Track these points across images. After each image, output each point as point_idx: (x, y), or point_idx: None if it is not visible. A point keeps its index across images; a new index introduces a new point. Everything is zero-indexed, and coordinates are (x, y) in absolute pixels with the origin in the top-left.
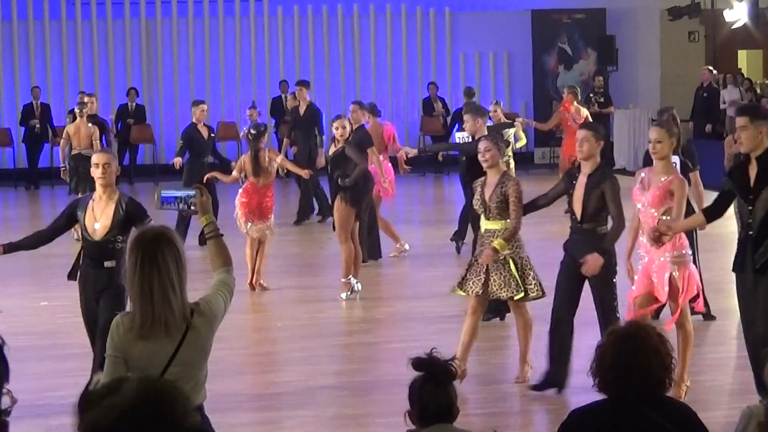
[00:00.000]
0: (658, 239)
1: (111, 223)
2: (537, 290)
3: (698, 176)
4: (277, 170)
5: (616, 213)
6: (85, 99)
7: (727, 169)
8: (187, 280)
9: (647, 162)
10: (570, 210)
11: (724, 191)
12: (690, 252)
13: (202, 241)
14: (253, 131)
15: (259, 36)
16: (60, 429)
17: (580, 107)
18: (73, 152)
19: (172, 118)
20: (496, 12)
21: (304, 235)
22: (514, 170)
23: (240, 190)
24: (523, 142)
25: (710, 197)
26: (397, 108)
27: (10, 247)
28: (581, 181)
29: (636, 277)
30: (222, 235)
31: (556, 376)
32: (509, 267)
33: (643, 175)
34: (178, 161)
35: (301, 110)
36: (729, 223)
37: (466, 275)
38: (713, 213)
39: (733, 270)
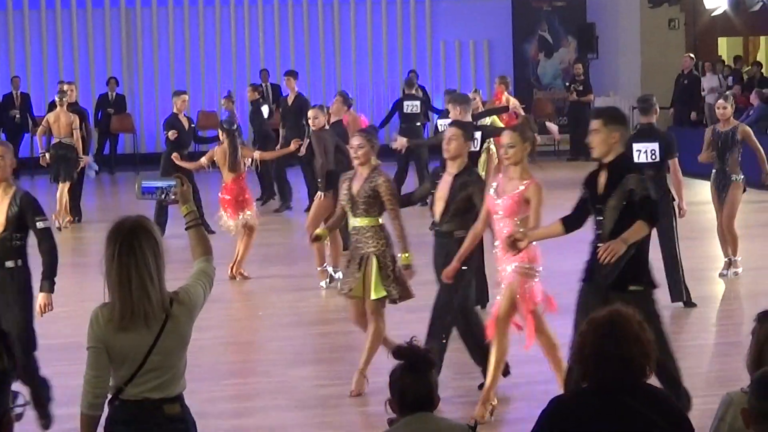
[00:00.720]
0: (513, 245)
1: (5, 219)
2: (396, 291)
3: (677, 163)
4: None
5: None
6: (65, 87)
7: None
8: (165, 270)
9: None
10: (430, 209)
11: (582, 199)
12: (540, 268)
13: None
14: (233, 127)
15: (239, 24)
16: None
17: (510, 97)
18: (54, 141)
19: (153, 108)
20: (476, 0)
21: (284, 225)
22: (495, 158)
23: (221, 193)
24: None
25: (689, 184)
26: (378, 96)
27: None
28: (446, 180)
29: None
30: (202, 224)
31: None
32: (371, 265)
33: (495, 184)
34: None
35: (290, 100)
36: (708, 209)
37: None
38: (572, 223)
39: (582, 281)
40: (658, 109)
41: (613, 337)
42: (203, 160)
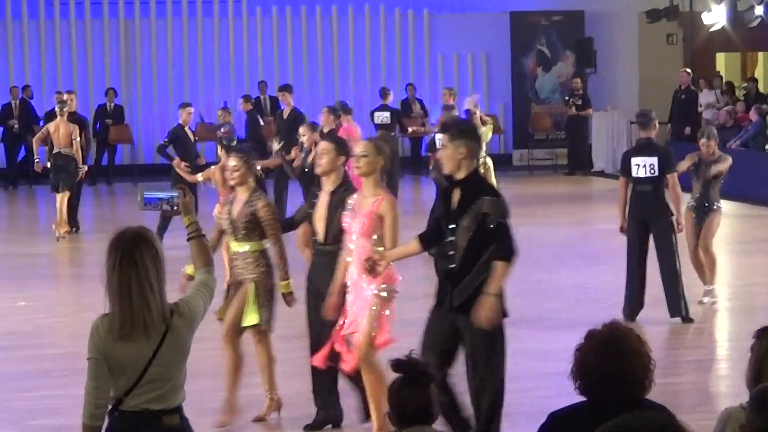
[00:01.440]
0: (371, 269)
1: None
2: (266, 320)
3: (676, 178)
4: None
5: None
6: (65, 97)
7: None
8: (165, 280)
9: (625, 164)
10: (312, 230)
11: (437, 217)
12: (398, 288)
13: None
14: (233, 143)
15: (237, 37)
16: (37, 430)
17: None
18: (54, 151)
19: (151, 119)
20: (474, 14)
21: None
22: (492, 170)
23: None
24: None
25: (687, 199)
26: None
27: None
28: (323, 198)
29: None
30: (204, 235)
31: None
32: (247, 291)
33: (351, 201)
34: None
35: (285, 114)
36: None
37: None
38: (429, 240)
39: (435, 305)
40: (657, 124)
41: (615, 352)
42: (199, 177)
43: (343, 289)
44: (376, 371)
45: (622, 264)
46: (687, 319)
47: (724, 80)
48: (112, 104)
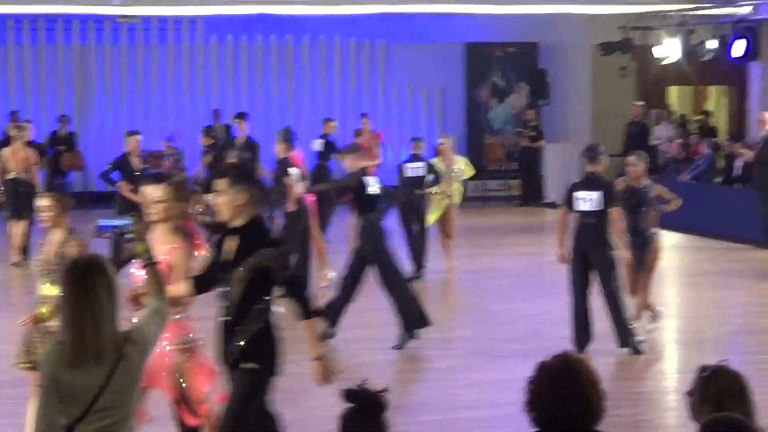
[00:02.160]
0: (135, 300)
1: None
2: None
3: (619, 212)
4: None
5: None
6: (24, 124)
7: None
8: (119, 308)
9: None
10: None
11: (212, 262)
12: (198, 337)
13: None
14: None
15: (192, 65)
16: None
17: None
18: (9, 176)
19: (104, 146)
20: (429, 45)
21: None
22: (458, 199)
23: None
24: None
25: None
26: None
27: None
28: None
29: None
30: (157, 262)
31: None
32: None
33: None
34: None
35: (240, 142)
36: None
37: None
38: (202, 284)
39: (217, 361)
40: (605, 159)
41: (569, 383)
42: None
43: None
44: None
45: None
46: (636, 351)
47: (676, 114)
48: (65, 131)
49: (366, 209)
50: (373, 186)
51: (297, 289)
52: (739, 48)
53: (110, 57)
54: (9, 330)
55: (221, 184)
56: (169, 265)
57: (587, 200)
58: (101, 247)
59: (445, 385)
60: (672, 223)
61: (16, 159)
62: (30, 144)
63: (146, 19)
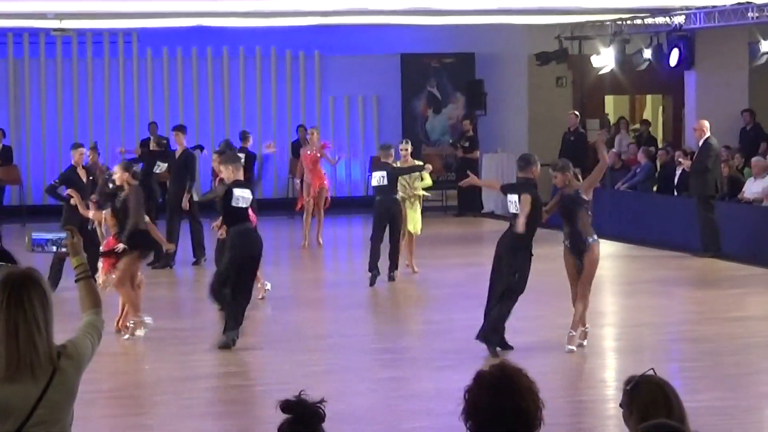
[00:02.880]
0: None
1: None
2: None
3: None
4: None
5: None
6: None
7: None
8: (53, 322)
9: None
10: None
11: None
12: None
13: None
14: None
15: (127, 77)
16: None
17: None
18: None
19: (40, 159)
20: (365, 56)
21: (170, 278)
22: (419, 207)
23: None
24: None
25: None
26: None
27: None
28: None
29: None
30: (92, 276)
31: None
32: None
33: None
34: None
35: (177, 154)
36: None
37: None
38: None
39: None
40: (537, 168)
41: (507, 391)
42: (90, 214)
43: None
44: None
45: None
46: (493, 352)
47: (612, 122)
48: (0, 145)
49: (231, 221)
50: (242, 199)
51: None
52: (674, 57)
53: (45, 70)
54: None
55: None
56: None
57: (512, 202)
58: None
59: (385, 395)
60: (610, 232)
61: None
62: None
63: (81, 33)
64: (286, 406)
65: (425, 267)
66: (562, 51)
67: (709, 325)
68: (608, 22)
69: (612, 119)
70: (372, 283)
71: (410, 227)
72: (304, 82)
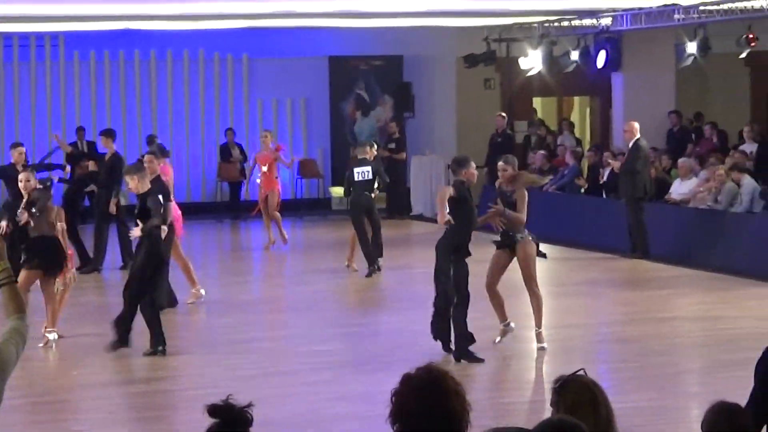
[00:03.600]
0: None
1: None
2: None
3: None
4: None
5: None
6: None
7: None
8: None
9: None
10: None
11: None
12: None
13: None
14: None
15: (54, 81)
16: None
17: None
18: None
19: None
20: (293, 58)
21: (98, 283)
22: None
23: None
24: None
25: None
26: (195, 154)
27: None
28: None
29: None
30: (16, 281)
31: None
32: None
33: None
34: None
35: (106, 159)
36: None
37: None
38: None
39: None
40: (470, 170)
41: (434, 393)
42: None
43: None
44: None
45: None
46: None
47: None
48: None
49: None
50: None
51: None
52: (601, 59)
53: None
54: None
55: None
56: None
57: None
58: None
59: (312, 399)
60: (538, 233)
61: None
62: None
63: (7, 36)
64: (213, 410)
65: (352, 270)
66: (490, 53)
67: (637, 325)
68: (536, 25)
69: (541, 120)
70: (370, 274)
71: None
72: (233, 85)
